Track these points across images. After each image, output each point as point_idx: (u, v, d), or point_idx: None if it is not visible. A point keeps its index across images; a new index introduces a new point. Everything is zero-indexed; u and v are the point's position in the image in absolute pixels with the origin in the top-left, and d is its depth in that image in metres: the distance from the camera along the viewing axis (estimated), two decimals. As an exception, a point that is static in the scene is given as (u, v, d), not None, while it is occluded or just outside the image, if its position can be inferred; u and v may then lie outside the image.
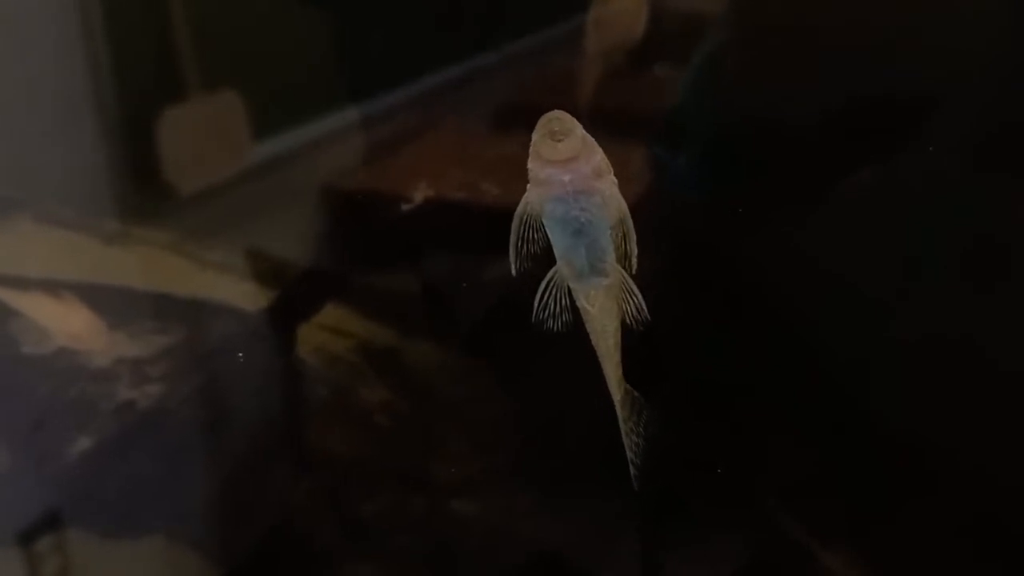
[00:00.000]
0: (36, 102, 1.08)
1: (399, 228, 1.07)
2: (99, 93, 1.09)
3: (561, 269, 0.77)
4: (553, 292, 0.76)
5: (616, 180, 0.74)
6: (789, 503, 0.97)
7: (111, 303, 1.09)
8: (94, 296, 1.08)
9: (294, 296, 1.14)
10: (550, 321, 0.77)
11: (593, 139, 0.73)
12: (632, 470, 0.83)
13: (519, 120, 0.75)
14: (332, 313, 1.13)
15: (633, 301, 0.75)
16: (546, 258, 0.77)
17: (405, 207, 1.05)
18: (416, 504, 1.09)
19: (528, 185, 0.75)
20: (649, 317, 0.75)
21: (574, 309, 0.78)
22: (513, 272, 0.76)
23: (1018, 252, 0.87)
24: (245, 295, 1.12)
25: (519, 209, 0.75)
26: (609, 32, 0.98)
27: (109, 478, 1.05)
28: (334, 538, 1.11)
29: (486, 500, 1.07)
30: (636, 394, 0.81)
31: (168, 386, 1.07)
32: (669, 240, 0.93)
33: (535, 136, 0.73)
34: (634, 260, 0.74)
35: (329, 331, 1.12)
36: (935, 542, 0.91)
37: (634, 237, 0.74)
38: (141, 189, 1.13)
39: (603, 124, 0.78)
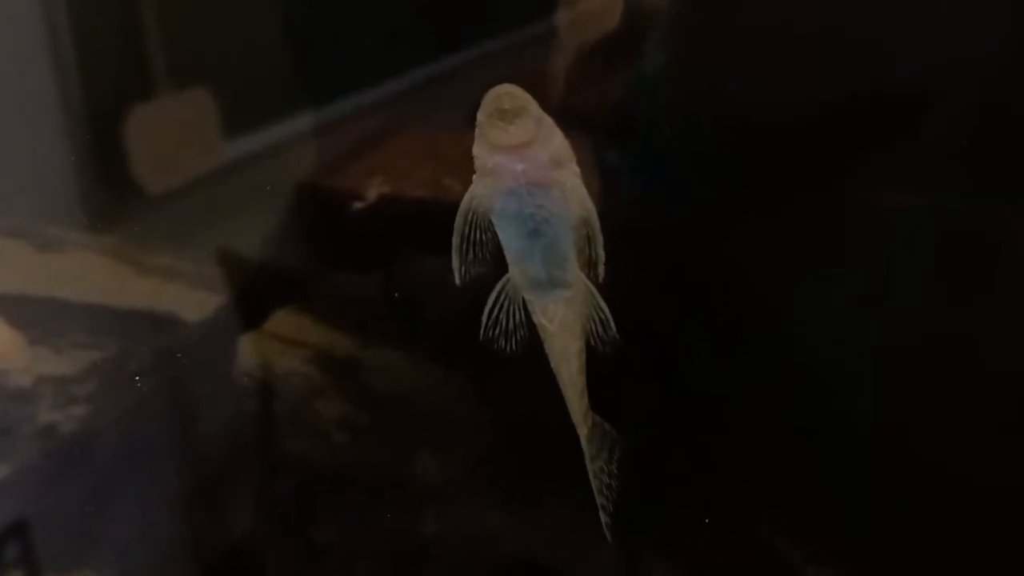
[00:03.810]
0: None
1: (360, 228, 0.99)
2: (64, 90, 1.01)
3: (514, 278, 0.64)
4: (505, 305, 0.63)
5: (579, 170, 0.58)
6: (772, 514, 0.91)
7: (37, 316, 0.98)
8: (18, 308, 0.98)
9: (246, 303, 1.04)
10: (502, 340, 0.61)
11: (551, 120, 0.58)
12: (603, 517, 0.69)
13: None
14: (287, 321, 1.04)
15: (599, 317, 0.60)
16: (497, 264, 0.64)
17: (358, 205, 0.96)
18: (379, 527, 1.01)
19: (474, 176, 0.62)
20: (618, 336, 0.58)
21: (531, 325, 0.65)
22: (457, 281, 0.62)
23: (1003, 253, 0.80)
24: (193, 303, 1.03)
25: (463, 204, 0.63)
26: (583, 30, 0.90)
27: (30, 510, 0.94)
28: (293, 564, 1.04)
29: (453, 516, 1.00)
30: (607, 427, 0.67)
31: (96, 407, 0.96)
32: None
33: (481, 115, 0.60)
34: (601, 268, 0.59)
35: (284, 341, 1.04)
36: (921, 554, 0.85)
37: (600, 240, 0.60)
38: (107, 189, 1.03)
39: (576, 123, 0.69)
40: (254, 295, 1.04)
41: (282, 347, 1.03)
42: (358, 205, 0.96)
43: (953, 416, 0.80)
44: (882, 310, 0.83)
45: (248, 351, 1.02)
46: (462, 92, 0.89)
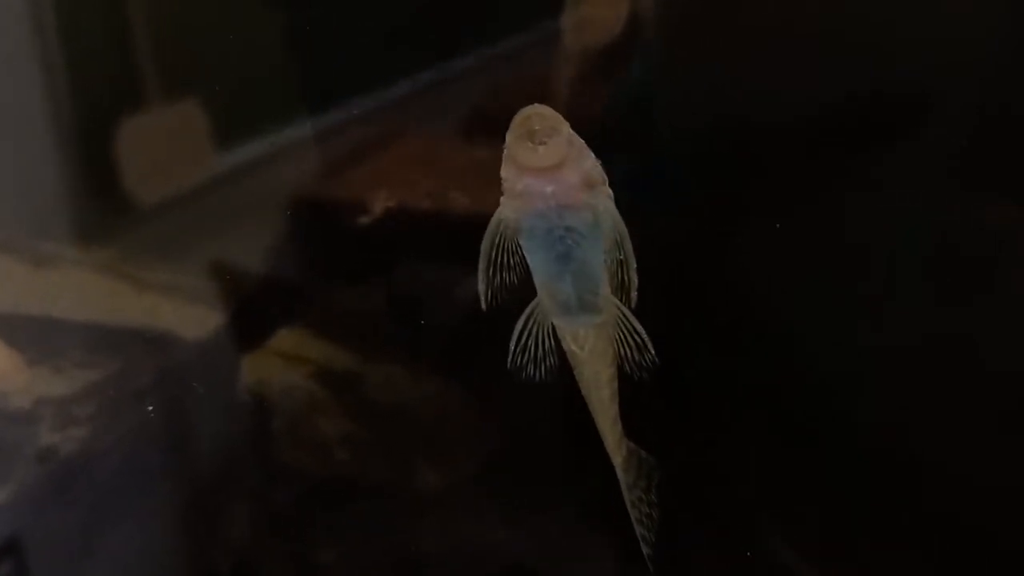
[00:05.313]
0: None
1: (362, 241, 0.96)
2: (55, 103, 1.00)
3: (543, 302, 0.61)
4: (533, 331, 0.60)
5: (612, 192, 0.55)
6: (772, 514, 0.90)
7: (34, 335, 0.95)
8: (15, 327, 0.95)
9: (246, 320, 1.01)
10: (531, 367, 0.59)
11: (582, 140, 0.55)
12: (644, 548, 0.67)
13: (492, 126, 0.63)
14: (288, 337, 1.02)
15: (634, 342, 0.57)
16: (525, 287, 0.61)
17: (363, 219, 0.94)
18: (380, 540, 0.99)
19: (502, 198, 0.59)
20: (657, 361, 0.56)
21: (560, 351, 0.62)
22: (483, 306, 0.59)
23: (1003, 253, 0.79)
24: (192, 320, 1.00)
25: (491, 227, 0.60)
26: (587, 34, 0.88)
27: (29, 533, 0.90)
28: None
29: (454, 527, 0.98)
30: (643, 454, 0.64)
31: (96, 428, 0.93)
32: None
33: (510, 137, 0.57)
34: (634, 292, 0.57)
35: (285, 357, 1.01)
36: (921, 555, 0.85)
37: (634, 264, 0.57)
38: (99, 202, 1.02)
39: (579, 128, 0.66)
40: (252, 310, 1.01)
41: (283, 363, 1.00)
42: (362, 218, 0.92)
43: (953, 416, 0.80)
44: (882, 310, 0.82)
45: (249, 367, 1.00)
46: (461, 99, 0.91)
